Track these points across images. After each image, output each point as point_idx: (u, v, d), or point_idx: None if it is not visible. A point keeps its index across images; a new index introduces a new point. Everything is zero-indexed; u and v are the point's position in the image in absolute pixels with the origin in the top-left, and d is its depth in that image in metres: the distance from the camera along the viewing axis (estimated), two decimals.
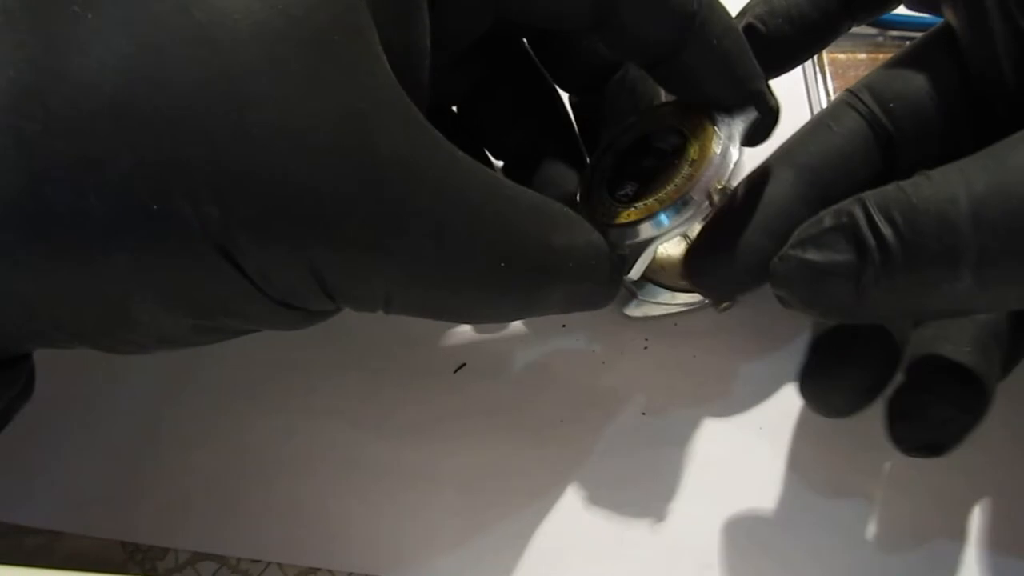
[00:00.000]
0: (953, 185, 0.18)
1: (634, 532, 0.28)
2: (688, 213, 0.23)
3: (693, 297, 0.31)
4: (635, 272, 0.24)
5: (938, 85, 0.24)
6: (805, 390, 0.24)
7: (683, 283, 0.30)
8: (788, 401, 0.30)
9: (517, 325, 0.32)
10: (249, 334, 0.22)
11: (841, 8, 0.26)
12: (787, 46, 0.26)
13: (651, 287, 0.31)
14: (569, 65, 0.29)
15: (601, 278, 0.23)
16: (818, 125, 0.26)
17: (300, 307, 0.20)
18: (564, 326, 0.32)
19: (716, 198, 0.23)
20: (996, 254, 0.17)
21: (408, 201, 0.18)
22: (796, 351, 0.31)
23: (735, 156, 0.23)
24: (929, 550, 0.28)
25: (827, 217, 0.20)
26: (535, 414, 0.30)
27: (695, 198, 0.23)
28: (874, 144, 0.25)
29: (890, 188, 0.19)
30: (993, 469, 0.29)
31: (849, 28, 0.26)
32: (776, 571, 0.28)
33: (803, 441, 0.30)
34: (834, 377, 0.23)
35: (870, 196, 0.19)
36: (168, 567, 0.28)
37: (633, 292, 0.31)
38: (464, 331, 0.32)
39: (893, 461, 0.29)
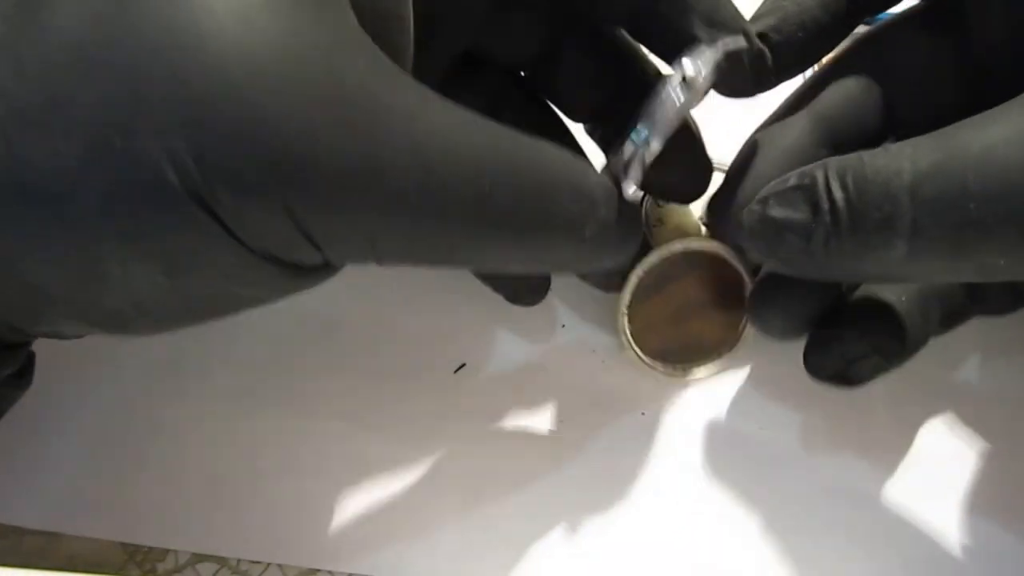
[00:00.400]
0: (902, 159, 0.19)
1: (634, 532, 0.28)
2: (658, 110, 0.22)
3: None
4: (632, 177, 0.23)
5: (935, 51, 0.25)
6: (752, 312, 0.26)
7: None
8: (788, 402, 0.30)
9: (517, 325, 0.32)
10: (243, 309, 0.21)
11: (851, 9, 0.26)
12: (801, 51, 0.26)
13: None
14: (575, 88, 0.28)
15: (606, 216, 0.22)
16: (832, 72, 0.26)
17: (285, 260, 0.19)
18: (564, 326, 0.32)
19: (682, 93, 0.22)
20: (927, 228, 0.19)
21: (380, 131, 0.18)
22: (796, 353, 0.31)
23: (705, 54, 0.23)
24: (929, 550, 0.28)
25: (793, 177, 0.21)
26: (535, 414, 0.30)
27: (660, 93, 0.22)
28: (880, 98, 0.26)
29: (852, 156, 0.20)
30: (993, 468, 0.29)
31: (856, 27, 0.27)
32: (776, 571, 0.28)
33: (803, 441, 0.30)
34: (777, 304, 0.25)
35: (832, 162, 0.21)
36: (168, 568, 0.28)
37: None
38: (464, 331, 0.32)
39: (894, 461, 0.29)
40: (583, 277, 0.31)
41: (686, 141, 0.25)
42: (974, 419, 0.30)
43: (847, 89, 0.26)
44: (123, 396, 0.30)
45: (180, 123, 0.16)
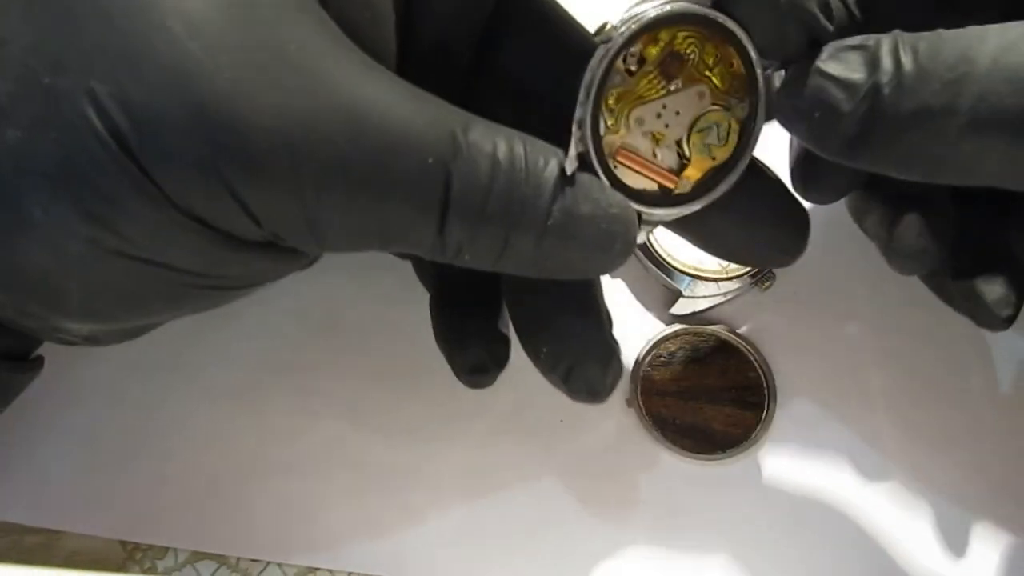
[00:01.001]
0: (987, 31, 0.18)
1: (634, 531, 0.28)
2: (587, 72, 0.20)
3: (736, 284, 0.31)
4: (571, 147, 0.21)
5: None
6: (795, 173, 0.24)
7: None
8: (788, 402, 0.30)
9: None
10: (188, 294, 0.19)
11: None
12: None
13: (697, 283, 0.31)
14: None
15: (568, 203, 0.19)
16: None
17: (218, 227, 0.18)
18: None
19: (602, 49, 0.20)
20: (998, 95, 0.18)
21: (317, 96, 0.17)
22: (796, 353, 0.31)
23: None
24: (929, 550, 0.28)
25: (857, 38, 0.20)
26: (535, 414, 0.30)
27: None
28: None
29: (926, 32, 0.19)
30: (992, 469, 0.29)
31: None
32: (776, 571, 0.28)
33: (803, 441, 0.30)
34: (819, 169, 0.24)
35: (904, 33, 0.19)
36: (168, 566, 0.28)
37: (679, 291, 0.31)
38: None
39: (894, 462, 0.29)
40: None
41: (763, 190, 0.23)
42: (974, 419, 0.30)
43: None
44: (123, 395, 0.30)
45: (109, 65, 0.16)
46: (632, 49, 0.21)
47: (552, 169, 0.19)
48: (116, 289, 0.19)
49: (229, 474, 0.29)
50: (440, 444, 0.30)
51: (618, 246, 0.20)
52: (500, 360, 0.26)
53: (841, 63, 0.19)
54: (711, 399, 0.30)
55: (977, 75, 0.18)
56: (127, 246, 0.18)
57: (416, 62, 0.22)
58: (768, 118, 0.22)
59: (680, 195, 0.22)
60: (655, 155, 0.22)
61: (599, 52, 0.20)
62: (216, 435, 0.30)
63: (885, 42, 0.19)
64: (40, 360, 0.23)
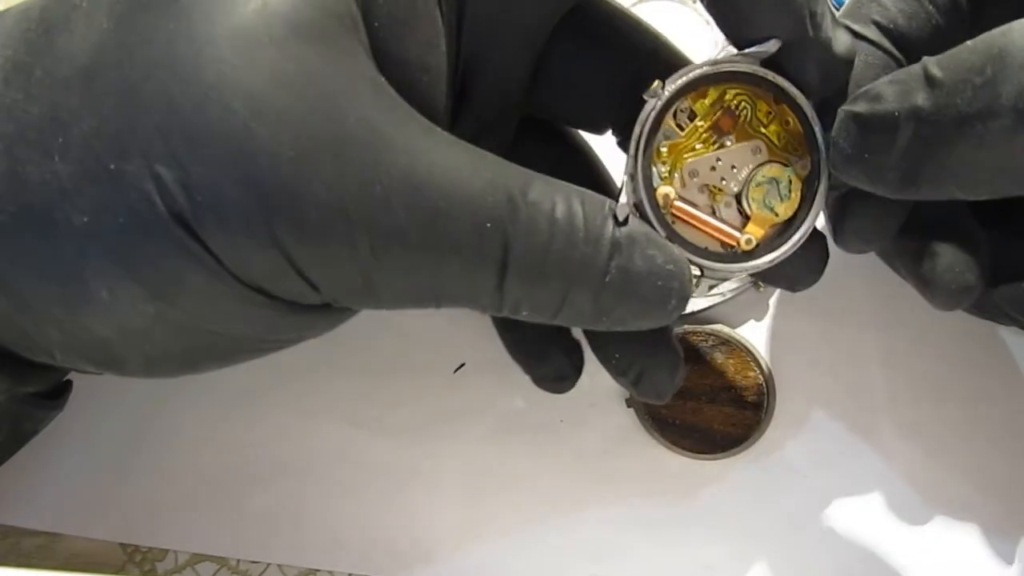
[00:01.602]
0: (1010, 27, 0.18)
1: (634, 532, 0.28)
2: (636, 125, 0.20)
3: (736, 284, 0.31)
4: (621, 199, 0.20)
5: None
6: (834, 223, 0.24)
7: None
8: (788, 402, 0.30)
9: None
10: (243, 352, 0.20)
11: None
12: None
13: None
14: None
15: (625, 261, 0.19)
16: None
17: (278, 295, 0.18)
18: None
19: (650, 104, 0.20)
20: None
21: (378, 167, 0.17)
22: (796, 353, 0.31)
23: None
24: (929, 550, 0.28)
25: (888, 76, 0.20)
26: (535, 414, 0.30)
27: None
28: None
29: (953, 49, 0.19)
30: (993, 469, 0.29)
31: None
32: (776, 571, 0.28)
33: (802, 441, 0.30)
34: (861, 211, 0.23)
35: (930, 58, 0.19)
36: (168, 568, 0.28)
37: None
38: (464, 331, 0.32)
39: (894, 462, 0.29)
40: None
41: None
42: (974, 419, 0.30)
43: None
44: (123, 397, 0.30)
45: (170, 148, 0.16)
46: (682, 105, 0.21)
47: (610, 227, 0.19)
48: (176, 355, 0.19)
49: (229, 475, 0.29)
50: (440, 444, 0.30)
51: (673, 302, 0.20)
52: (579, 366, 0.28)
53: (875, 100, 0.19)
54: (711, 399, 0.30)
55: (1011, 71, 0.17)
56: (190, 319, 0.18)
57: (472, 107, 0.22)
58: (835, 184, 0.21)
59: (744, 252, 0.22)
60: (714, 211, 0.22)
61: (647, 106, 0.21)
62: (216, 436, 0.30)
63: (913, 68, 0.19)
64: (69, 384, 0.23)
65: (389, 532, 0.28)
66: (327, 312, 0.20)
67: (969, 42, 0.18)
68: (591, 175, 0.26)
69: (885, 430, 0.30)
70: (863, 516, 0.29)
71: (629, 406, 0.30)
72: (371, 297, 0.19)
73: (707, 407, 0.30)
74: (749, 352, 0.30)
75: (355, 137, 0.17)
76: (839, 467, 0.29)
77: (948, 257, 0.23)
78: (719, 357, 0.30)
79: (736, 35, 0.21)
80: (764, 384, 0.30)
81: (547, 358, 0.27)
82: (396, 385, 0.31)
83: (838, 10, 0.36)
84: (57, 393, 0.23)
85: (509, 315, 0.20)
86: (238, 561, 0.28)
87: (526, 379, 0.31)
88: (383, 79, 0.18)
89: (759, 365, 0.30)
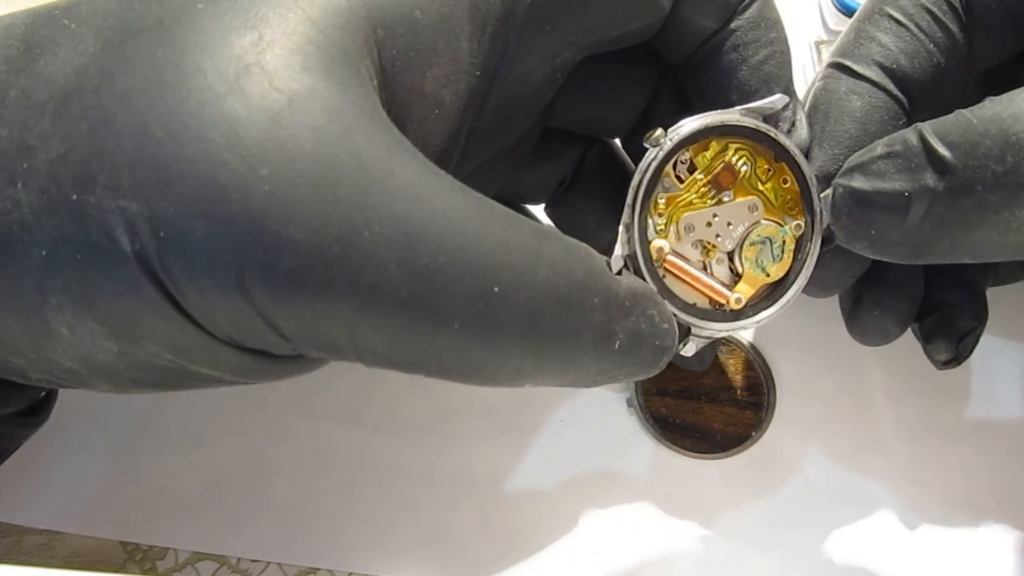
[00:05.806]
0: (1018, 104, 0.17)
1: (634, 532, 0.28)
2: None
3: (742, 321, 0.31)
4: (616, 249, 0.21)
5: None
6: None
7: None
8: (788, 402, 0.30)
9: None
10: (214, 386, 0.18)
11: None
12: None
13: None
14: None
15: (635, 324, 0.18)
16: (879, 15, 0.23)
17: (252, 348, 0.17)
18: None
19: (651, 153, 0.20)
20: None
21: (368, 212, 0.15)
22: (796, 353, 0.31)
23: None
24: (929, 550, 0.28)
25: (880, 145, 0.19)
26: (535, 414, 0.30)
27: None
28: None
29: (949, 115, 0.18)
30: (993, 469, 0.29)
31: None
32: (776, 570, 0.28)
33: (802, 441, 0.30)
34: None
35: (926, 124, 0.18)
36: (168, 567, 0.28)
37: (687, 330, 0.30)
38: None
39: (894, 461, 0.29)
40: None
41: None
42: (974, 419, 0.30)
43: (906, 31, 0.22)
44: (123, 396, 0.30)
45: (138, 179, 0.15)
46: (683, 156, 0.21)
47: (618, 290, 0.18)
48: (148, 384, 0.18)
49: (229, 474, 0.29)
50: (440, 444, 0.30)
51: (664, 360, 0.19)
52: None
53: (877, 177, 0.19)
54: (711, 399, 0.30)
55: None
56: (156, 359, 0.17)
57: (479, 139, 0.21)
58: (826, 238, 0.21)
59: (732, 311, 0.21)
60: (706, 267, 0.21)
61: (648, 155, 0.20)
62: (216, 436, 0.30)
63: (909, 139, 0.18)
64: (52, 397, 0.23)
65: (389, 532, 0.28)
66: (304, 361, 0.18)
67: (973, 119, 0.18)
68: (619, 168, 0.26)
69: (885, 430, 0.30)
70: (863, 516, 0.29)
71: (629, 406, 0.30)
72: (352, 354, 0.17)
73: (707, 407, 0.30)
74: (749, 352, 0.30)
75: (343, 175, 0.15)
76: (839, 467, 0.29)
77: (873, 303, 0.24)
78: (719, 357, 0.30)
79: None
80: (764, 384, 0.30)
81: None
82: (396, 385, 0.31)
83: (841, 12, 0.36)
84: (36, 410, 0.22)
85: (506, 386, 0.18)
86: (238, 560, 0.28)
87: None
88: (383, 113, 0.16)
89: (759, 365, 0.30)
